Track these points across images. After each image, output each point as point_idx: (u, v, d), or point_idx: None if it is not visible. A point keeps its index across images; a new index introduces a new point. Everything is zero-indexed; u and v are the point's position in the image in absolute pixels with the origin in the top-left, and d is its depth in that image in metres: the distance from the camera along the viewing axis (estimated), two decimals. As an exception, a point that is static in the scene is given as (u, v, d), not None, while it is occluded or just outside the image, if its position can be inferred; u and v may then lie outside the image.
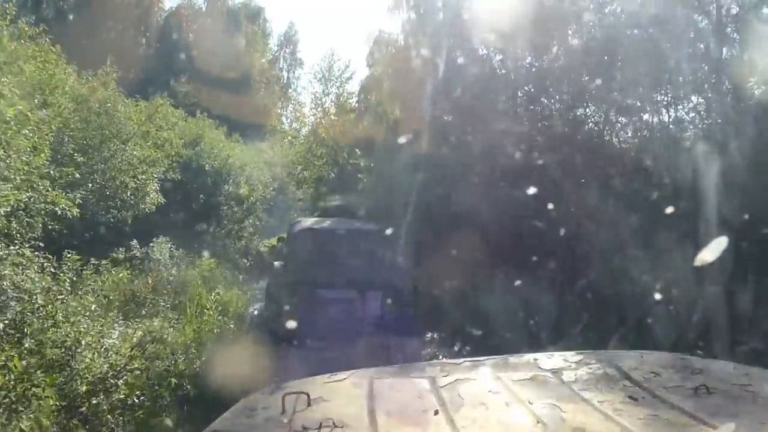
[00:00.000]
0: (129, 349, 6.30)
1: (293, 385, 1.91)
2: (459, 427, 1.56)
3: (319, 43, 69.50)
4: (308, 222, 11.21)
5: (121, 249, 11.07)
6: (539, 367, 2.06)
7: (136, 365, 6.18)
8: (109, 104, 11.30)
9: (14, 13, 10.08)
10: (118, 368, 5.89)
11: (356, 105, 20.58)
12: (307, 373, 2.40)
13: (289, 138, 25.10)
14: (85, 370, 5.66)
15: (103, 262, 8.90)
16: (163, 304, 9.11)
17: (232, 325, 8.43)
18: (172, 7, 47.23)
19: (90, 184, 10.90)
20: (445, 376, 1.98)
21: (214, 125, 18.86)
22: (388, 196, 14.31)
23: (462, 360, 2.24)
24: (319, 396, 1.78)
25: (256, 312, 10.83)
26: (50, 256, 7.08)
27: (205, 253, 13.31)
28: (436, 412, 1.67)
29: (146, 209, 12.40)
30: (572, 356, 2.17)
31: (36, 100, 9.91)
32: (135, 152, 11.98)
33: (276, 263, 9.77)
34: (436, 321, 10.16)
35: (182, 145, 15.97)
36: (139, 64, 39.36)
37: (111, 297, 8.96)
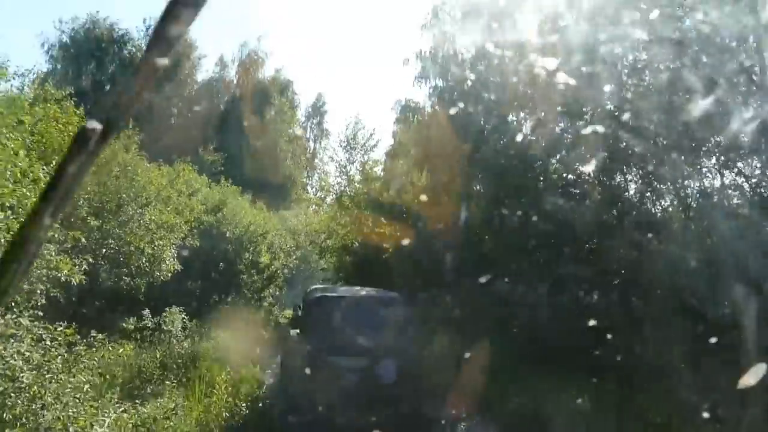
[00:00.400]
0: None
1: None
2: None
3: (345, 113, 70.91)
4: (323, 290, 11.14)
5: (132, 319, 10.46)
6: None
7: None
8: (129, 167, 10.98)
9: (42, 76, 9.97)
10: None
11: (381, 173, 20.22)
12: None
13: (314, 206, 24.73)
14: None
15: (100, 335, 8.16)
16: (169, 382, 8.34)
17: (243, 408, 7.56)
18: (204, 79, 48.94)
19: (104, 249, 10.44)
20: None
21: (237, 192, 18.58)
22: (417, 266, 13.61)
23: None
24: None
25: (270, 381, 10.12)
26: (50, 327, 6.48)
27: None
28: None
29: (161, 277, 11.84)
30: None
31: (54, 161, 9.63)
32: (153, 217, 11.55)
33: (291, 331, 9.60)
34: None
35: (204, 211, 15.62)
36: (168, 132, 40.42)
37: (115, 373, 8.27)
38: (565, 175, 12.44)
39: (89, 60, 41.42)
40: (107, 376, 8.01)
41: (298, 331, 8.92)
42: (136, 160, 11.52)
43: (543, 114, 12.96)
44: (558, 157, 12.53)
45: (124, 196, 10.64)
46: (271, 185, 45.24)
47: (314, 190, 44.74)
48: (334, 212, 19.59)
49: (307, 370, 7.82)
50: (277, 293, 18.30)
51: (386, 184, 19.27)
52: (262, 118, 48.00)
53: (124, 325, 10.22)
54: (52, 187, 0.79)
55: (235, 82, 50.79)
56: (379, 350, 8.23)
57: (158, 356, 9.13)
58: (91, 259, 9.78)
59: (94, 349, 7.08)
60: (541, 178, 12.62)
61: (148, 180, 11.70)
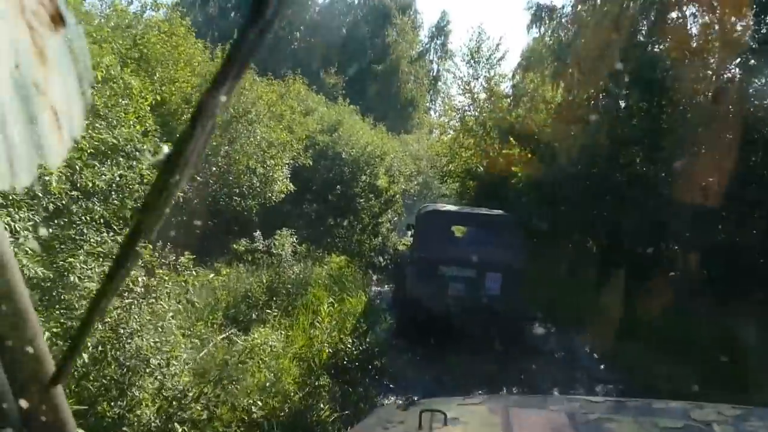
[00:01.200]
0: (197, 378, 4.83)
1: (429, 403, 1.89)
2: None
3: (471, 30, 67.01)
4: (436, 205, 11.68)
5: (242, 241, 9.99)
6: (690, 417, 1.77)
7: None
8: (237, 81, 10.23)
9: None
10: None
11: (510, 89, 18.21)
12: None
13: (436, 129, 23.29)
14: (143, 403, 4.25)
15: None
16: (274, 309, 7.72)
17: (349, 344, 6.72)
18: (326, 1, 47.97)
19: (213, 168, 9.94)
20: (585, 413, 1.82)
21: (355, 112, 17.59)
22: (549, 192, 11.95)
23: (604, 399, 2.06)
24: (455, 416, 1.71)
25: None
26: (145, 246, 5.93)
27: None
28: None
29: (274, 198, 11.26)
30: (728, 409, 1.84)
31: (158, 73, 9.07)
32: (264, 135, 10.85)
33: (405, 240, 10.21)
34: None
35: (319, 130, 14.83)
36: (290, 56, 40.31)
37: (219, 297, 7.78)
38: (752, 86, 9.94)
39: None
40: (211, 300, 7.55)
41: (410, 243, 9.37)
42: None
43: (721, 11, 10.37)
44: (741, 61, 10.00)
45: (231, 110, 9.94)
46: (393, 109, 44.18)
47: (437, 113, 42.99)
48: (456, 134, 18.08)
49: (416, 279, 8.61)
50: (396, 219, 17.39)
51: (514, 101, 17.32)
52: (384, 40, 46.44)
53: (235, 246, 9.76)
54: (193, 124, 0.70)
55: (356, 2, 49.37)
56: (485, 263, 8.58)
57: (265, 281, 8.53)
58: (199, 177, 9.31)
59: (189, 272, 6.49)
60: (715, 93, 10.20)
61: (257, 95, 10.93)
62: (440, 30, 51.78)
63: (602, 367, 8.32)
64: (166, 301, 5.00)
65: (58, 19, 0.68)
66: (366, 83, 43.37)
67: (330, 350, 6.47)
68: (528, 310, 9.38)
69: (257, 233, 10.06)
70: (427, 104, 48.05)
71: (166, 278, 5.24)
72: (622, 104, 11.61)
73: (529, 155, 13.29)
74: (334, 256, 12.23)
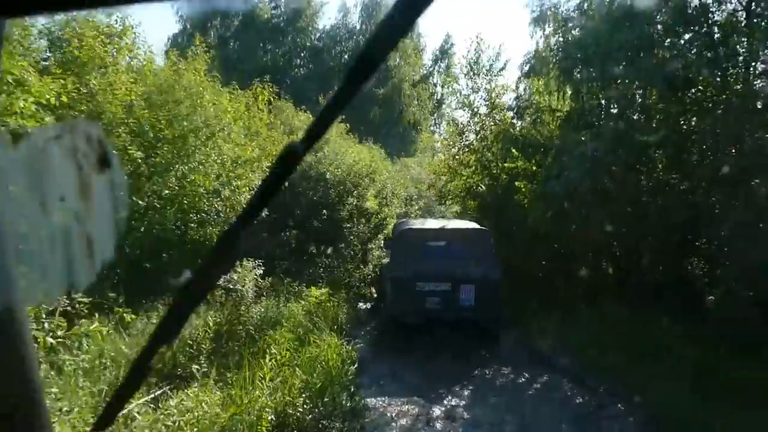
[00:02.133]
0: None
1: None
2: None
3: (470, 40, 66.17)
4: (410, 222, 12.39)
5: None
6: None
7: None
8: (194, 89, 8.86)
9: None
10: None
11: (513, 101, 16.77)
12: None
13: (439, 147, 21.89)
14: None
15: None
16: (216, 360, 6.18)
17: (300, 406, 5.12)
18: (326, 27, 47.34)
19: (164, 191, 8.51)
20: None
21: (344, 129, 16.20)
22: (559, 208, 10.40)
23: None
24: None
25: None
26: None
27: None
28: None
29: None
30: None
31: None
32: (228, 152, 9.45)
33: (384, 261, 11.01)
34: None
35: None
36: (291, 83, 39.44)
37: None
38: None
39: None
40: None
41: (388, 260, 10.06)
42: (203, 81, 9.36)
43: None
44: None
45: (185, 124, 8.56)
46: (396, 132, 43.02)
47: (441, 136, 41.65)
48: (456, 151, 16.60)
49: (396, 294, 9.21)
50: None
51: (518, 113, 15.86)
52: (386, 63, 45.53)
53: (173, 282, 8.25)
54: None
55: (358, 27, 48.66)
56: (460, 276, 9.15)
57: (212, 324, 7.00)
58: (141, 202, 7.86)
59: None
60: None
61: (221, 107, 9.55)
62: (444, 53, 50.88)
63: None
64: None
65: (104, 162, 0.84)
66: (367, 107, 42.33)
67: (273, 416, 4.87)
68: (502, 319, 9.73)
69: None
70: (431, 127, 46.79)
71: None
72: (640, 106, 10.09)
73: (535, 168, 11.76)
74: (314, 289, 10.67)
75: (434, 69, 50.87)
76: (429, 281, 9.13)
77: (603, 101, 11.47)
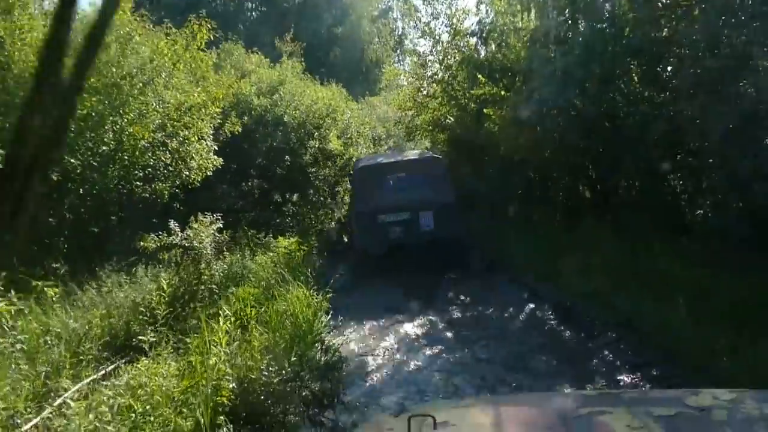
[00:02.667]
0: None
1: (419, 409, 1.87)
2: None
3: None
4: (367, 158, 12.67)
5: (154, 235, 7.81)
6: (685, 404, 1.70)
7: None
8: (120, 30, 7.90)
9: None
10: None
11: (476, 27, 15.91)
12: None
13: (403, 80, 20.97)
14: None
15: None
16: (175, 325, 5.63)
17: (265, 370, 4.62)
18: (276, -36, 44.82)
19: (102, 147, 7.68)
20: (578, 407, 1.77)
21: (299, 68, 15.21)
22: (529, 132, 9.87)
23: (596, 391, 1.99)
24: (445, 420, 1.63)
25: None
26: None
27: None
28: None
29: (193, 177, 9.06)
30: (724, 394, 1.76)
31: None
32: (171, 98, 8.60)
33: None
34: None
35: (255, 93, 12.55)
36: (243, 26, 37.52)
37: (90, 320, 5.67)
38: None
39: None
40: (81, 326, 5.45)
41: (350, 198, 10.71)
42: (130, 22, 8.36)
43: None
44: None
45: (114, 71, 7.66)
46: (358, 72, 41.62)
47: (406, 74, 40.26)
48: (420, 83, 15.81)
49: (361, 229, 9.92)
50: None
51: (482, 38, 15.05)
52: (343, 1, 43.59)
53: (142, 243, 7.58)
54: None
55: (311, -37, 46.21)
56: (418, 204, 9.77)
57: (166, 287, 6.39)
58: (75, 161, 7.08)
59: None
60: None
61: (157, 51, 8.62)
62: (401, -17, 48.75)
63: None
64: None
65: None
66: (326, 48, 40.75)
67: (235, 384, 4.36)
68: (464, 237, 10.21)
69: (172, 223, 7.87)
70: (395, 64, 45.36)
71: None
72: (608, 14, 9.42)
73: (504, 93, 11.11)
74: (281, 240, 10.10)
75: (393, 3, 48.93)
76: (389, 213, 9.76)
77: (570, 15, 10.75)
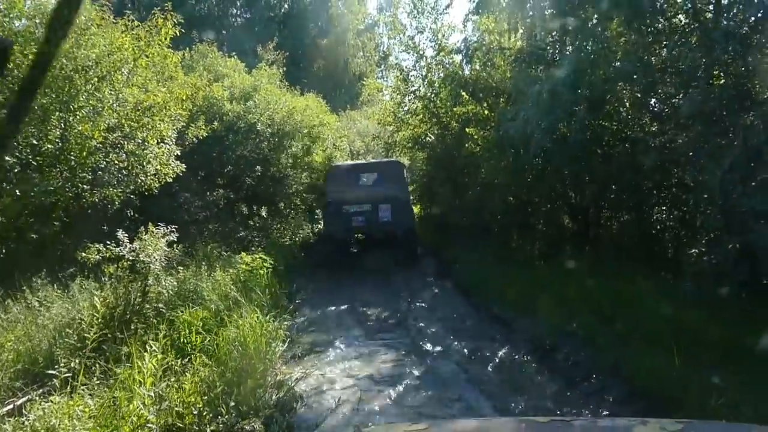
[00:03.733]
0: None
1: (376, 430, 2.04)
2: None
3: None
4: (339, 164, 13.86)
5: (99, 246, 7.07)
6: None
7: None
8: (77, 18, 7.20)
9: None
10: None
11: (461, 44, 15.53)
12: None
13: (386, 96, 20.49)
14: None
15: None
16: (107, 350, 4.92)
17: (197, 413, 3.94)
18: (262, -28, 44.34)
19: (48, 145, 6.95)
20: None
21: (277, 76, 14.59)
22: (514, 154, 9.39)
23: (548, 419, 1.82)
24: None
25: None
26: None
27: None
28: None
29: (148, 183, 8.34)
30: (671, 425, 1.70)
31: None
32: (129, 97, 7.91)
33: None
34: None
35: (228, 98, 11.89)
36: (227, 34, 36.87)
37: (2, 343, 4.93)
38: None
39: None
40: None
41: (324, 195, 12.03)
42: (91, 11, 7.68)
43: None
44: None
45: (64, 62, 6.96)
46: (341, 85, 41.12)
47: (390, 89, 39.84)
48: (401, 98, 15.32)
49: (330, 218, 11.65)
50: None
51: (467, 56, 14.64)
52: (328, 12, 43.23)
53: (84, 254, 6.85)
54: None
55: (299, -28, 45.81)
56: (377, 199, 11.55)
57: (99, 307, 5.65)
58: (11, 159, 6.35)
59: None
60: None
61: (112, 43, 7.91)
62: (389, 2, 48.62)
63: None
64: None
65: None
66: (310, 59, 40.23)
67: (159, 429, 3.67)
68: (414, 228, 12.40)
69: (120, 233, 7.14)
70: (378, 79, 44.98)
71: None
72: (599, 37, 9.01)
73: (487, 112, 10.65)
74: (245, 255, 9.40)
75: (380, 19, 48.69)
76: (353, 204, 11.56)
77: (559, 36, 10.36)
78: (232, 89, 12.29)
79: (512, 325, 7.66)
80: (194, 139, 10.17)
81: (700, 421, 1.86)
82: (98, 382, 4.61)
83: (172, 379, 4.25)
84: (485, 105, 10.94)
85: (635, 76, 7.88)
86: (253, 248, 10.18)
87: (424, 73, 14.75)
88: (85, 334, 5.19)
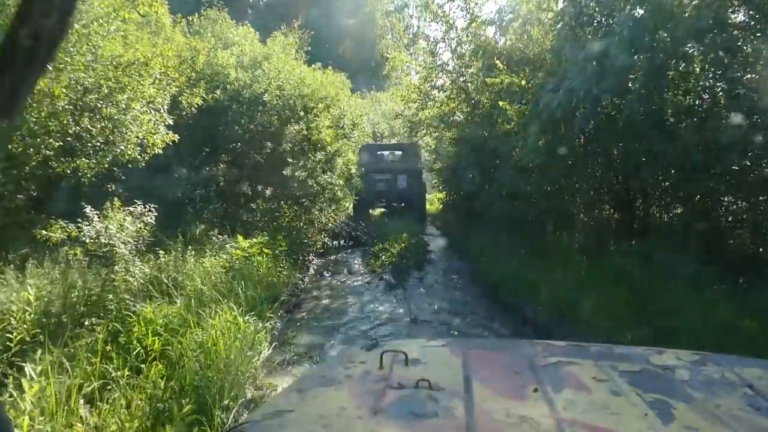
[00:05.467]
0: None
1: (391, 345, 1.90)
2: (559, 408, 1.41)
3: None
4: (370, 143, 17.50)
5: (64, 224, 6.01)
6: (649, 362, 1.78)
7: None
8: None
9: None
10: None
11: (495, 16, 14.11)
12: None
13: (411, 68, 19.16)
14: None
15: None
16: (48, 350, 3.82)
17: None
18: (288, -49, 43.09)
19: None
20: (546, 356, 1.80)
21: (293, 45, 13.36)
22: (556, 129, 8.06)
23: (564, 343, 1.95)
24: (416, 357, 1.72)
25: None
26: None
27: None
28: (536, 390, 1.52)
29: (131, 155, 7.24)
30: (687, 355, 1.85)
31: None
32: (107, 52, 6.81)
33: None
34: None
35: (234, 65, 10.75)
36: (251, 12, 35.83)
37: None
38: None
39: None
40: None
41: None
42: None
43: None
44: None
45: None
46: (367, 67, 39.78)
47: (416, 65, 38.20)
48: (426, 73, 13.98)
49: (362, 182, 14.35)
50: (343, 182, 12.99)
51: (502, 27, 13.28)
52: (355, -8, 41.88)
53: (46, 232, 5.80)
54: None
55: (324, -49, 44.43)
56: (396, 170, 16.17)
57: (33, 299, 4.54)
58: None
59: None
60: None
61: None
62: (419, -21, 46.88)
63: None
64: None
65: None
66: (337, 39, 38.95)
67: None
68: (424, 196, 16.98)
69: (89, 210, 6.07)
70: (408, 62, 43.47)
71: None
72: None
73: (524, 83, 9.30)
74: (241, 239, 8.29)
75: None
76: (378, 173, 15.49)
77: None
78: (241, 57, 11.14)
79: (550, 333, 6.39)
80: (192, 109, 9.06)
81: (715, 354, 1.79)
82: (10, 397, 3.53)
83: (82, 405, 3.10)
84: (522, 76, 9.55)
85: (709, 36, 6.47)
86: (257, 232, 9.05)
87: (453, 46, 13.38)
88: (11, 334, 4.12)
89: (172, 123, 8.06)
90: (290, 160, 10.68)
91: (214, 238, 8.51)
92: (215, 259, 7.45)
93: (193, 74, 9.47)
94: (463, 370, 1.64)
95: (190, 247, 7.59)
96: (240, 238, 8.32)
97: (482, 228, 11.82)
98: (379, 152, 16.63)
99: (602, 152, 8.54)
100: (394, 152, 16.71)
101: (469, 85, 12.53)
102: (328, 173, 11.59)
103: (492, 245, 10.45)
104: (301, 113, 11.02)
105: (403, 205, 15.75)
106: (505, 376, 1.63)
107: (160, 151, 7.90)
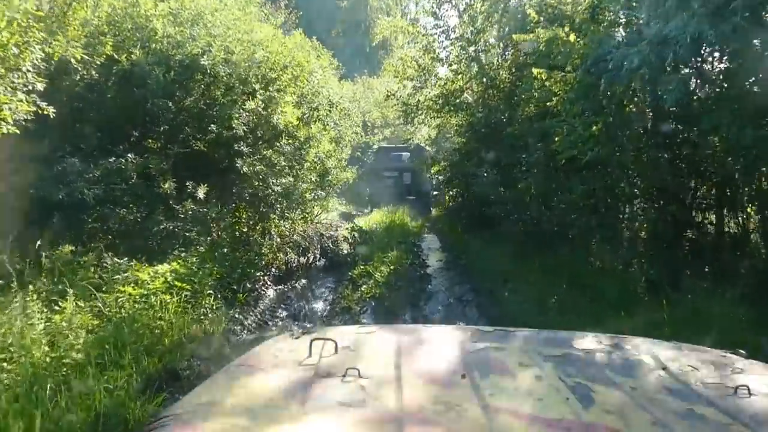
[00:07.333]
0: None
1: (320, 332, 1.88)
2: (485, 394, 1.44)
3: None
4: (383, 145, 22.82)
5: None
6: (572, 345, 1.87)
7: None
8: None
9: None
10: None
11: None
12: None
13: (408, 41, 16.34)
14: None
15: None
16: None
17: None
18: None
19: None
20: (475, 342, 1.84)
21: (257, 3, 10.33)
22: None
23: (493, 328, 2.02)
24: (346, 345, 1.69)
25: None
26: None
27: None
28: (463, 376, 1.53)
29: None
30: (607, 339, 1.92)
31: None
32: None
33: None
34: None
35: (163, 17, 7.81)
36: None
37: None
38: None
39: None
40: None
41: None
42: None
43: None
44: None
45: None
46: (361, 52, 36.78)
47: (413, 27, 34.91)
48: (428, 42, 11.02)
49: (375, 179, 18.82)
50: (319, 180, 9.91)
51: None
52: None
53: None
54: None
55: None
56: (402, 169, 19.98)
57: None
58: None
59: None
60: None
61: None
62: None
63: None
64: None
65: None
66: (327, 23, 35.81)
67: None
68: (428, 191, 20.30)
69: None
70: (404, 45, 40.41)
71: None
72: None
73: (573, 37, 6.38)
74: (145, 270, 5.39)
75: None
76: (389, 171, 19.82)
77: None
78: (179, 11, 8.22)
79: None
80: (85, 73, 6.16)
81: (634, 337, 1.89)
82: None
83: None
84: (568, 28, 6.62)
85: None
86: (171, 253, 6.16)
87: (462, 7, 10.45)
88: None
89: (42, 88, 5.16)
90: (245, 149, 7.74)
91: (106, 262, 5.60)
92: (83, 306, 4.57)
93: (95, 23, 6.59)
94: (394, 358, 1.63)
95: (45, 282, 4.72)
96: (140, 267, 5.42)
97: (499, 243, 8.97)
98: (390, 153, 20.75)
99: (692, 143, 5.69)
100: (402, 153, 20.22)
101: (483, 55, 9.59)
102: (296, 168, 8.64)
103: (516, 270, 7.58)
104: (257, 86, 8.08)
105: (409, 197, 18.86)
106: (435, 363, 1.63)
107: (18, 132, 5.00)
